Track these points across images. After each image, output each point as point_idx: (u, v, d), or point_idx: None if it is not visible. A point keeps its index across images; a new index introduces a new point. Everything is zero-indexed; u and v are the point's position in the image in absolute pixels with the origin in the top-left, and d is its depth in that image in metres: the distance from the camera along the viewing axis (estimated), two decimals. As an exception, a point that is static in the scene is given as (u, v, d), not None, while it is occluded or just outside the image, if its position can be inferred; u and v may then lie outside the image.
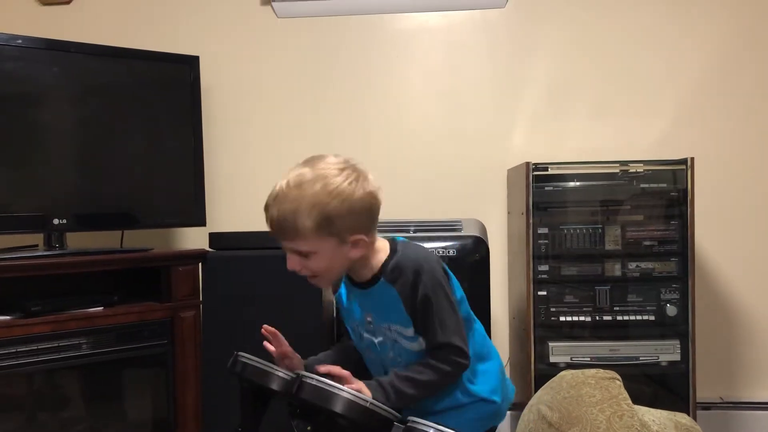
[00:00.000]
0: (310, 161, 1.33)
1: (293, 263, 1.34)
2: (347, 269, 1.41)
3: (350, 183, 1.29)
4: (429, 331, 1.35)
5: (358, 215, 1.30)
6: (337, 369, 1.34)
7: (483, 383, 1.46)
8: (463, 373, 1.41)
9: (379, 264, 1.37)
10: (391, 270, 1.36)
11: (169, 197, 2.50)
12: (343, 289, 1.50)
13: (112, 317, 2.17)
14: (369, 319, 1.44)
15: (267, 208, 1.32)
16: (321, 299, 2.30)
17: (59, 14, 2.82)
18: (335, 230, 1.28)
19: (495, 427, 1.50)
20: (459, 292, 1.45)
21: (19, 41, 2.20)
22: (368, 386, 1.33)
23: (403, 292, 1.34)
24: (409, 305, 1.35)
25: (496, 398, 1.47)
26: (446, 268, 1.41)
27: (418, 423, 1.17)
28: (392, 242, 1.41)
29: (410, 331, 1.38)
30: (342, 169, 1.30)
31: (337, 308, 2.25)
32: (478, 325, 1.50)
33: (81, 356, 2.10)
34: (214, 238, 2.38)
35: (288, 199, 1.28)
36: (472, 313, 1.48)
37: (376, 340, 1.44)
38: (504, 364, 1.56)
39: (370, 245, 1.36)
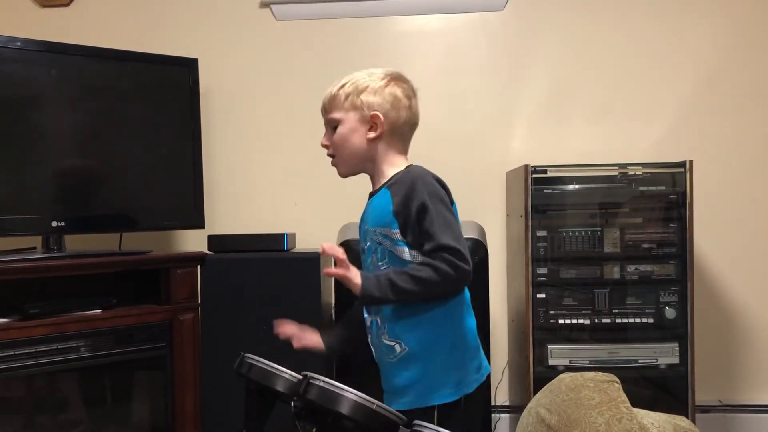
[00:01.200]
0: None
1: (325, 138, 1.53)
2: (365, 159, 1.50)
3: (387, 76, 1.50)
4: (427, 235, 1.36)
5: (385, 98, 1.47)
6: (336, 251, 1.37)
7: (467, 336, 1.46)
8: (462, 285, 1.41)
9: (391, 174, 1.48)
10: (395, 180, 1.46)
11: (168, 199, 2.50)
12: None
13: (111, 320, 2.16)
14: (365, 227, 1.48)
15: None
16: (320, 301, 2.30)
17: (58, 16, 2.82)
18: (359, 102, 1.46)
19: (461, 402, 1.45)
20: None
21: (18, 43, 2.20)
22: (361, 275, 1.36)
23: (396, 194, 1.41)
24: (399, 206, 1.39)
25: (473, 354, 1.46)
26: (449, 192, 1.47)
27: (424, 426, 1.17)
28: (411, 165, 1.52)
29: (396, 233, 1.40)
30: (388, 71, 1.52)
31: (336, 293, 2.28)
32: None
33: (79, 359, 2.10)
34: (213, 240, 2.38)
35: (341, 79, 1.51)
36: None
37: (365, 246, 1.48)
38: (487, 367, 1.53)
39: (391, 139, 1.50)
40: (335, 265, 1.37)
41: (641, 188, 2.32)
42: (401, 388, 1.44)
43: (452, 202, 1.47)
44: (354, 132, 1.48)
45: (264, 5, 2.79)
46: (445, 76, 2.76)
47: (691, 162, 2.23)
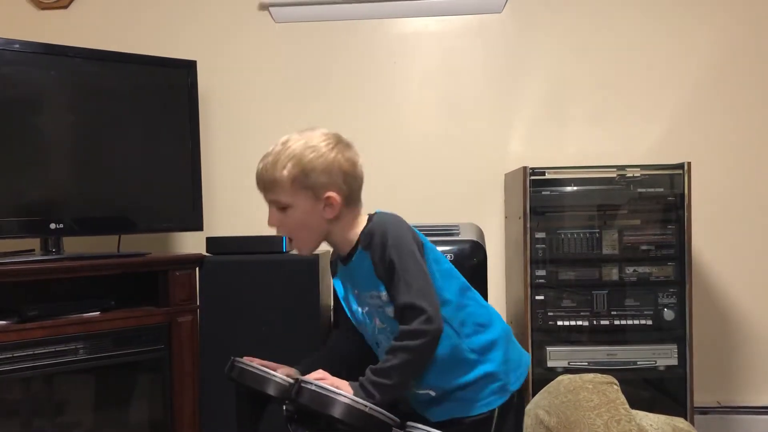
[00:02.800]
0: (302, 131, 1.45)
1: (272, 218, 1.43)
2: (325, 237, 1.44)
3: (329, 145, 1.40)
4: (394, 292, 1.34)
5: (333, 174, 1.38)
6: (316, 374, 1.32)
7: (488, 355, 1.43)
8: (461, 346, 1.39)
9: (358, 233, 1.42)
10: (365, 237, 1.40)
11: (167, 202, 2.50)
12: (336, 276, 1.54)
13: (109, 322, 2.16)
14: (356, 291, 1.46)
15: (258, 168, 1.44)
16: (318, 303, 2.30)
17: (57, 19, 2.82)
18: (309, 183, 1.37)
19: (513, 396, 1.44)
20: (446, 264, 1.45)
21: (17, 46, 2.20)
22: (350, 385, 1.32)
23: (374, 256, 1.37)
24: (379, 269, 1.36)
25: (501, 368, 1.43)
26: (421, 235, 1.43)
27: (417, 428, 1.17)
28: (371, 215, 1.46)
29: (385, 296, 1.38)
30: (326, 135, 1.42)
31: (335, 296, 2.26)
32: (474, 294, 1.48)
33: (78, 361, 2.09)
34: (212, 242, 2.38)
35: (272, 154, 1.41)
36: (466, 282, 1.47)
37: (363, 311, 1.46)
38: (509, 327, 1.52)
39: (346, 212, 1.41)
40: None
41: (639, 190, 2.32)
42: (444, 411, 1.43)
43: (423, 243, 1.42)
44: (309, 215, 1.40)
45: (263, 7, 2.79)
46: (444, 78, 2.77)
47: (689, 164, 2.23)
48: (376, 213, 1.46)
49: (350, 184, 1.41)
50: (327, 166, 1.38)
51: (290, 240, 1.46)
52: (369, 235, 1.39)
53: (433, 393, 1.42)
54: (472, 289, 1.49)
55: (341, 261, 1.48)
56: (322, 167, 1.38)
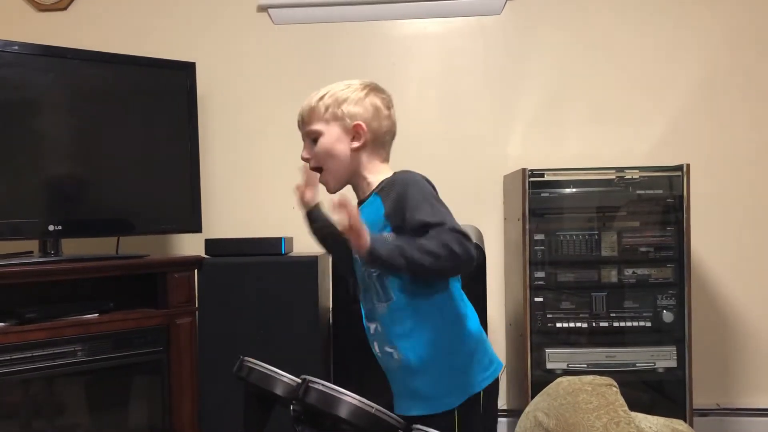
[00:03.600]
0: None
1: (305, 151, 1.50)
2: (352, 171, 1.47)
3: (364, 87, 1.49)
4: (428, 223, 1.30)
5: (365, 108, 1.46)
6: (348, 203, 1.28)
7: (459, 347, 1.43)
8: (468, 267, 1.35)
9: (379, 181, 1.46)
10: (384, 185, 1.44)
11: (165, 203, 2.50)
12: None
13: (108, 324, 2.16)
14: None
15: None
16: (317, 305, 2.30)
17: (55, 20, 2.82)
18: (340, 113, 1.45)
19: (478, 399, 1.42)
20: None
21: (16, 47, 2.20)
22: (372, 234, 1.28)
23: (386, 198, 1.39)
24: (390, 209, 1.37)
25: (466, 365, 1.42)
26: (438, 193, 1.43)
27: (422, 430, 1.17)
28: (397, 171, 1.48)
29: (388, 234, 1.35)
30: (366, 81, 1.52)
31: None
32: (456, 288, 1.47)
33: (77, 363, 2.09)
34: (210, 244, 2.38)
35: (316, 92, 1.51)
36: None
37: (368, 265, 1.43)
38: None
39: (374, 148, 1.47)
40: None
41: (638, 192, 2.32)
42: (411, 394, 1.41)
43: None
44: (337, 142, 1.46)
45: (261, 9, 2.79)
46: (443, 79, 2.77)
47: (688, 165, 2.23)
48: (402, 171, 1.48)
49: (380, 122, 1.48)
50: (359, 99, 1.46)
51: (321, 172, 1.49)
52: (388, 183, 1.43)
53: (395, 355, 1.40)
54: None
55: (359, 202, 1.50)
56: (355, 100, 1.46)
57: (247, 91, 2.80)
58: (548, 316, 2.29)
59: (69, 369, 2.09)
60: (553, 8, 2.72)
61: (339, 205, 1.25)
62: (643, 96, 2.69)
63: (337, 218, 1.27)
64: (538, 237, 2.29)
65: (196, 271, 2.35)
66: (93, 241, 2.56)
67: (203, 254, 2.38)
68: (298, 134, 2.95)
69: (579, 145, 2.70)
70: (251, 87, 2.80)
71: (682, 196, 2.24)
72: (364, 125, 1.45)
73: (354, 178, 1.49)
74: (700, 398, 2.37)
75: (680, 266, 2.26)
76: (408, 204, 1.34)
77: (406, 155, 2.70)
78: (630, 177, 2.36)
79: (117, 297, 2.26)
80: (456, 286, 1.47)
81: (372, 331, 1.46)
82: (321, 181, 1.51)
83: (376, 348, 1.47)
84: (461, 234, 1.30)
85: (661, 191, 2.31)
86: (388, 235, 1.33)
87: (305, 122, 1.50)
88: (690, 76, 2.68)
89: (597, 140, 2.69)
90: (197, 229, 2.54)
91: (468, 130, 2.75)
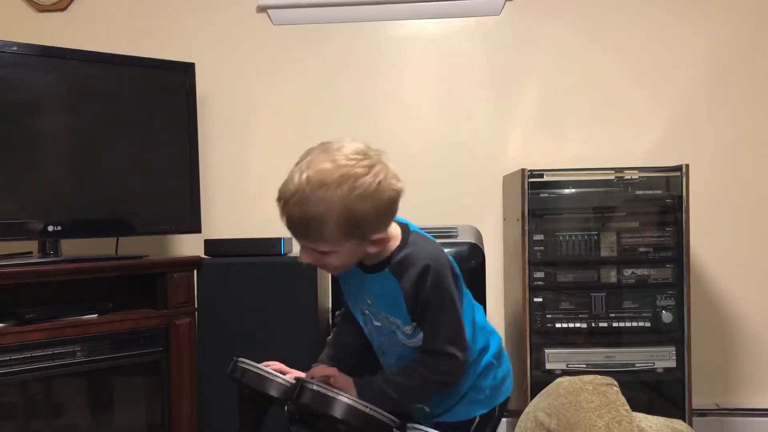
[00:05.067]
0: (327, 150, 1.22)
1: (307, 258, 1.28)
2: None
3: (378, 182, 1.19)
4: (425, 332, 1.33)
5: (384, 215, 1.24)
6: (319, 370, 1.33)
7: (485, 374, 1.45)
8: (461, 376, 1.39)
9: (389, 252, 1.31)
10: (399, 263, 1.29)
11: (165, 204, 2.50)
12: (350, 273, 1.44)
13: (107, 324, 2.16)
14: (369, 301, 1.39)
15: (285, 204, 1.24)
16: (316, 305, 2.29)
17: (55, 21, 2.81)
18: (360, 233, 1.22)
19: (495, 409, 1.46)
20: (466, 293, 1.43)
21: (15, 48, 2.19)
22: (356, 383, 1.33)
23: (406, 288, 1.28)
24: (411, 302, 1.29)
25: (492, 385, 1.46)
26: (455, 266, 1.36)
27: (417, 429, 1.17)
28: (405, 231, 1.34)
29: (408, 329, 1.34)
30: (366, 166, 1.19)
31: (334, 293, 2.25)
32: (477, 312, 1.45)
33: (76, 364, 2.09)
34: (210, 245, 2.38)
35: (312, 201, 1.18)
36: (471, 300, 1.45)
37: (375, 323, 1.41)
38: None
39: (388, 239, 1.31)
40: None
41: (637, 192, 2.32)
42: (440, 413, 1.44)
43: (458, 277, 1.37)
44: (354, 253, 1.27)
45: (261, 10, 2.79)
46: (442, 80, 2.77)
47: (687, 166, 2.23)
48: (411, 231, 1.35)
49: (393, 211, 1.27)
50: (379, 209, 1.21)
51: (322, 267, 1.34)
52: (404, 264, 1.29)
53: (427, 409, 1.43)
54: (475, 306, 1.46)
55: (359, 265, 1.37)
56: (375, 213, 1.20)
57: (247, 91, 2.80)
58: (547, 316, 2.29)
59: (68, 369, 2.08)
60: (553, 9, 2.72)
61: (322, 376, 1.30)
62: (643, 97, 2.70)
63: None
64: (538, 237, 2.29)
65: (195, 271, 2.34)
66: (92, 241, 2.56)
67: (202, 255, 2.38)
68: (298, 135, 2.97)
69: (578, 145, 2.70)
70: (251, 87, 2.80)
71: (681, 197, 2.24)
72: (383, 235, 1.26)
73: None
74: (699, 398, 2.37)
75: (679, 267, 2.26)
76: (429, 313, 1.29)
77: (405, 156, 2.73)
78: (629, 177, 2.36)
79: (116, 297, 2.26)
80: (478, 318, 1.44)
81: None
82: (322, 269, 1.43)
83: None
84: (450, 358, 1.31)
85: (660, 192, 2.31)
86: (375, 385, 1.33)
87: (307, 240, 1.25)
88: (689, 76, 2.69)
89: (596, 141, 2.70)
90: (196, 229, 2.54)
91: (467, 131, 2.75)
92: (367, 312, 1.42)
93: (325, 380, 1.30)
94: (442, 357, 1.32)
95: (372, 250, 1.27)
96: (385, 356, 1.47)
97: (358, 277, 1.38)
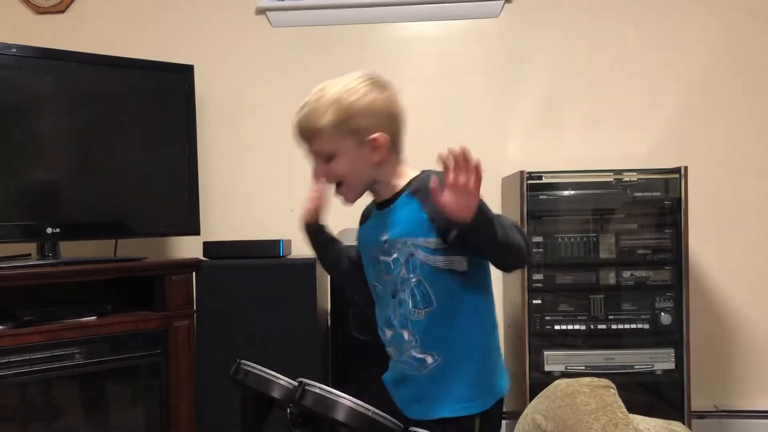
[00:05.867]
0: (338, 77, 1.37)
1: (318, 171, 1.38)
2: (372, 181, 1.39)
3: (367, 86, 1.34)
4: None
5: (377, 115, 1.33)
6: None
7: (491, 348, 1.42)
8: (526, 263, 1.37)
9: (404, 181, 1.38)
10: (416, 185, 1.36)
11: (164, 206, 2.50)
12: (365, 224, 1.49)
13: (106, 327, 2.16)
14: (384, 238, 1.37)
15: (296, 116, 1.38)
16: (315, 307, 2.29)
17: (54, 23, 2.82)
18: (353, 127, 1.31)
19: (493, 408, 1.41)
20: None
21: (14, 50, 2.20)
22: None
23: (425, 200, 1.30)
24: (436, 212, 1.27)
25: (491, 367, 1.42)
26: None
27: (420, 432, 1.17)
28: (424, 171, 1.42)
29: (432, 241, 1.31)
30: (362, 77, 1.36)
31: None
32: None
33: (74, 366, 2.09)
34: (208, 247, 2.38)
35: (310, 102, 1.35)
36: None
37: (390, 259, 1.37)
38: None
39: (393, 153, 1.38)
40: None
41: (636, 194, 2.32)
42: (440, 397, 1.37)
43: None
44: (356, 160, 1.34)
45: (260, 12, 2.79)
46: (441, 82, 2.77)
47: (685, 168, 2.23)
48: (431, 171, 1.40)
49: (393, 124, 1.37)
50: (367, 107, 1.32)
51: (337, 186, 1.39)
52: (421, 182, 1.35)
53: (430, 360, 1.36)
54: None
55: (376, 206, 1.43)
56: (363, 109, 1.32)
57: (246, 93, 2.80)
58: (546, 318, 2.29)
59: (67, 372, 2.08)
60: (551, 11, 2.72)
61: (463, 159, 1.22)
62: (641, 99, 2.70)
63: (453, 177, 1.21)
64: (536, 239, 2.29)
65: (194, 273, 2.34)
66: (91, 243, 2.56)
67: (201, 257, 2.38)
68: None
69: (577, 147, 2.70)
70: (249, 90, 2.80)
71: (679, 199, 2.24)
72: (382, 136, 1.34)
73: (375, 185, 1.41)
74: (698, 400, 2.37)
75: (678, 268, 2.26)
76: None
77: (404, 158, 2.73)
78: (628, 179, 2.36)
79: (115, 300, 2.26)
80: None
81: (389, 337, 1.42)
82: (337, 193, 1.41)
83: (396, 354, 1.42)
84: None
85: (658, 193, 2.32)
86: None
87: (310, 140, 1.36)
88: (688, 78, 2.69)
89: (595, 143, 2.70)
90: (195, 231, 2.54)
91: (466, 133, 2.75)
92: (382, 257, 1.39)
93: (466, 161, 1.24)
94: (506, 220, 1.30)
95: (375, 157, 1.34)
96: (395, 298, 1.39)
97: (376, 220, 1.42)
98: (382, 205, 1.41)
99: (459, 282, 1.35)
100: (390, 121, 1.36)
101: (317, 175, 1.39)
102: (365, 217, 1.50)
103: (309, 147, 1.37)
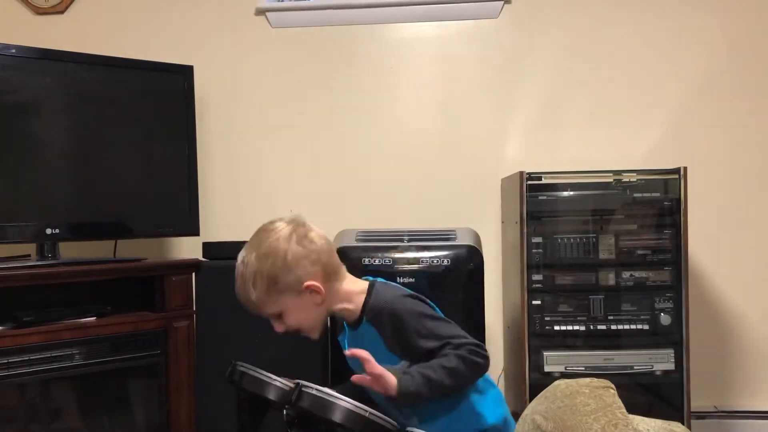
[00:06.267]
0: (255, 234, 1.46)
1: (277, 327, 1.45)
2: (327, 315, 1.47)
3: (280, 240, 1.39)
4: (430, 347, 1.36)
5: (298, 266, 1.39)
6: (360, 352, 1.31)
7: (489, 409, 1.48)
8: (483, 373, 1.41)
9: (360, 305, 1.44)
10: (369, 312, 1.42)
11: (163, 206, 2.50)
12: (345, 333, 1.53)
13: (106, 327, 2.16)
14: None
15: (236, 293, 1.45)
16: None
17: (53, 24, 2.81)
18: (283, 287, 1.38)
19: None
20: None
21: (13, 50, 2.20)
22: (392, 371, 1.31)
23: (381, 329, 1.39)
24: (394, 344, 1.38)
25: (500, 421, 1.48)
26: (426, 300, 1.45)
27: (417, 434, 1.17)
28: (371, 283, 1.48)
29: (403, 364, 1.38)
30: (276, 231, 1.42)
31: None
32: None
33: (74, 367, 2.09)
34: (208, 247, 2.38)
35: (238, 277, 1.43)
36: None
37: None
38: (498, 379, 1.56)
39: (333, 283, 1.44)
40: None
41: (636, 195, 2.32)
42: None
43: (432, 306, 1.46)
44: (302, 309, 1.42)
45: (259, 12, 2.79)
46: (440, 83, 2.77)
47: (685, 168, 2.23)
48: (376, 282, 1.48)
49: (318, 263, 1.41)
50: (287, 264, 1.38)
51: (300, 332, 1.47)
52: (375, 311, 1.41)
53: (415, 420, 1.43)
54: None
55: (348, 324, 1.50)
56: (285, 268, 1.38)
57: (245, 94, 2.80)
58: (546, 318, 2.29)
59: (66, 372, 2.08)
60: (550, 12, 2.73)
61: (354, 356, 1.28)
62: (641, 99, 2.70)
63: (354, 378, 1.30)
64: (536, 240, 2.29)
65: (193, 274, 2.34)
66: (90, 244, 2.56)
67: (201, 257, 2.38)
68: (297, 137, 2.97)
69: (576, 148, 2.70)
70: (249, 90, 2.80)
71: (679, 199, 2.24)
72: (313, 282, 1.40)
73: (333, 314, 1.49)
74: (697, 401, 2.37)
75: (677, 269, 2.26)
76: (408, 334, 1.36)
77: (403, 159, 2.74)
78: (627, 180, 2.36)
79: (114, 300, 2.26)
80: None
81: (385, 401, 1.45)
82: (304, 335, 1.48)
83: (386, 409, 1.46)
84: (471, 343, 1.35)
85: (658, 194, 2.31)
86: (403, 364, 1.35)
87: (257, 310, 1.44)
88: (687, 79, 2.69)
89: (594, 143, 2.70)
90: (195, 232, 2.54)
91: (465, 133, 2.75)
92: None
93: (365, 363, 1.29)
94: (460, 339, 1.35)
95: (318, 300, 1.41)
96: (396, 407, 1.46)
97: (353, 339, 1.48)
98: (352, 325, 1.48)
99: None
100: (314, 263, 1.41)
101: (278, 331, 1.45)
102: (341, 325, 1.55)
103: (260, 314, 1.44)
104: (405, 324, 1.37)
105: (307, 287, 1.39)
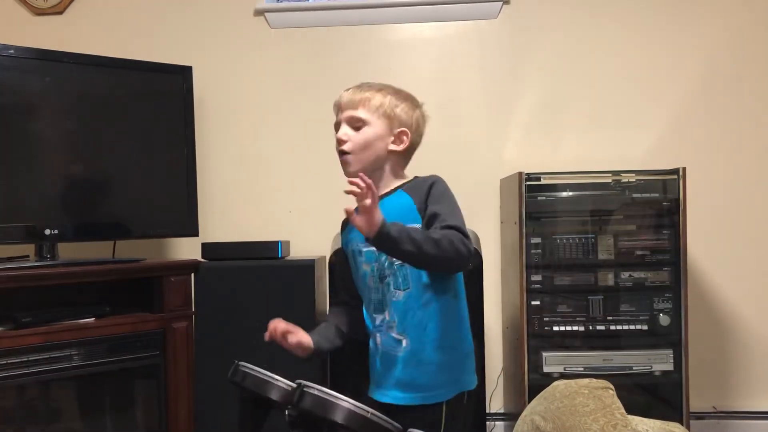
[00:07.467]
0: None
1: (342, 132, 1.54)
2: (377, 165, 1.55)
3: (415, 102, 1.62)
4: (441, 213, 1.44)
5: (414, 121, 1.58)
6: (366, 178, 1.34)
7: (463, 341, 1.55)
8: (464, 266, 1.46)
9: (401, 180, 1.57)
10: (411, 183, 1.56)
11: (162, 207, 2.50)
12: (346, 228, 1.62)
13: (104, 328, 2.15)
14: None
15: (340, 97, 1.58)
16: (314, 309, 2.29)
17: (52, 24, 2.81)
18: (394, 114, 1.54)
19: (464, 397, 1.52)
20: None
21: (12, 51, 2.19)
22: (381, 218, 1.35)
23: (416, 195, 1.50)
24: (421, 203, 1.48)
25: (464, 360, 1.54)
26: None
27: (418, 434, 1.17)
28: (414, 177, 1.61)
29: (419, 227, 1.45)
30: (412, 95, 1.64)
31: (332, 271, 2.26)
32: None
33: (72, 368, 2.08)
34: (207, 248, 2.38)
35: (366, 83, 1.58)
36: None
37: (369, 248, 1.49)
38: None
39: (404, 156, 1.59)
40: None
41: (635, 195, 2.32)
42: (406, 385, 1.47)
43: None
44: (380, 139, 1.53)
45: (258, 13, 2.79)
46: (439, 83, 2.77)
47: (684, 169, 2.24)
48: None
49: (417, 136, 1.60)
50: (412, 110, 1.58)
51: (347, 154, 1.53)
52: (415, 183, 1.55)
53: (404, 343, 1.47)
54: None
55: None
56: (409, 109, 1.57)
57: (244, 94, 2.81)
58: (545, 319, 2.29)
59: (65, 373, 2.08)
60: (549, 12, 2.73)
61: (361, 182, 1.31)
62: (639, 100, 2.70)
63: (356, 194, 1.33)
64: (535, 240, 2.29)
65: (192, 275, 2.34)
66: (89, 245, 2.56)
67: (200, 258, 2.37)
68: (296, 138, 2.97)
69: (575, 148, 2.71)
70: (248, 91, 2.81)
71: (678, 200, 2.24)
72: (408, 134, 1.55)
73: (377, 174, 1.55)
74: (696, 401, 2.37)
75: (676, 269, 2.27)
76: (432, 196, 1.47)
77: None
78: (626, 180, 2.36)
79: (113, 301, 2.26)
80: (464, 294, 1.57)
81: (378, 321, 1.52)
82: (344, 160, 1.55)
83: (378, 338, 1.52)
84: (464, 234, 1.40)
85: (657, 195, 2.32)
86: (398, 223, 1.39)
87: (352, 106, 1.54)
88: (686, 79, 2.69)
89: (593, 144, 2.70)
90: (194, 233, 2.54)
91: (464, 134, 2.75)
92: (366, 249, 1.52)
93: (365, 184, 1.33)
94: (461, 232, 1.40)
95: (393, 147, 1.54)
96: (383, 284, 1.50)
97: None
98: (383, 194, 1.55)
99: (429, 274, 1.47)
100: (417, 133, 1.60)
101: (342, 137, 1.54)
102: (345, 223, 1.63)
103: (345, 114, 1.55)
104: (435, 188, 1.49)
105: (401, 133, 1.54)
